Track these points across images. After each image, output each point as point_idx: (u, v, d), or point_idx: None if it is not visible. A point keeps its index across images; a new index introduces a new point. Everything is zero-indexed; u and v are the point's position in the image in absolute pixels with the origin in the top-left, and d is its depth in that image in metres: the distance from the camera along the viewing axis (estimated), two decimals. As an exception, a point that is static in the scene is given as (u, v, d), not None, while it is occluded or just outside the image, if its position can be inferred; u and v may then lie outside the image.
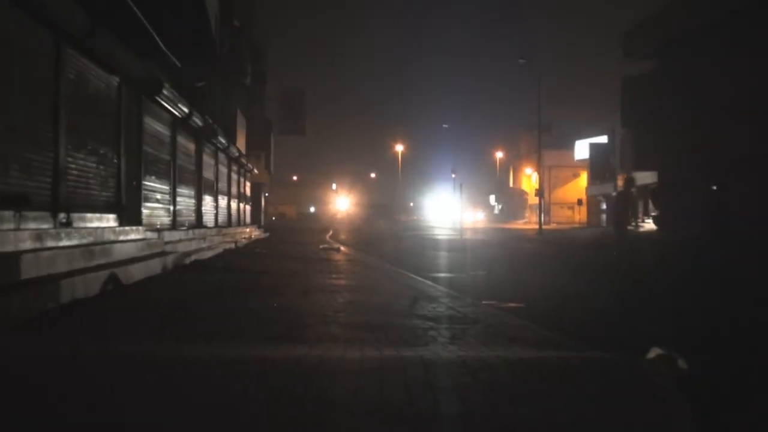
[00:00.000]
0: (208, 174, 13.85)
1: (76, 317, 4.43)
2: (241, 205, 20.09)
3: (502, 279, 9.12)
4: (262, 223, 26.91)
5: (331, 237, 23.12)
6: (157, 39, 8.48)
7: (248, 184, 22.47)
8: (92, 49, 6.73)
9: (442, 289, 6.89)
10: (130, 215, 8.14)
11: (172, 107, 9.85)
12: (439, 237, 26.53)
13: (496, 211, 73.50)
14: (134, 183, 8.46)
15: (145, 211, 8.94)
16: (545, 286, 8.31)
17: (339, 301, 5.66)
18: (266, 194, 32.50)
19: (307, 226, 40.07)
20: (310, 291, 6.34)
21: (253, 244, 16.26)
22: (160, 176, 9.79)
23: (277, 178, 60.10)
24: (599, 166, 43.05)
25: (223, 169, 16.25)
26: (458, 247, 18.49)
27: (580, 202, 47.76)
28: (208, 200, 13.87)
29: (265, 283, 7.01)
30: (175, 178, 10.57)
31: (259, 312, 4.93)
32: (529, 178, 62.89)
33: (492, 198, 75.20)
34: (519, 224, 55.00)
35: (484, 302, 6.02)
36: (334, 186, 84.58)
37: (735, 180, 19.06)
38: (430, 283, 7.59)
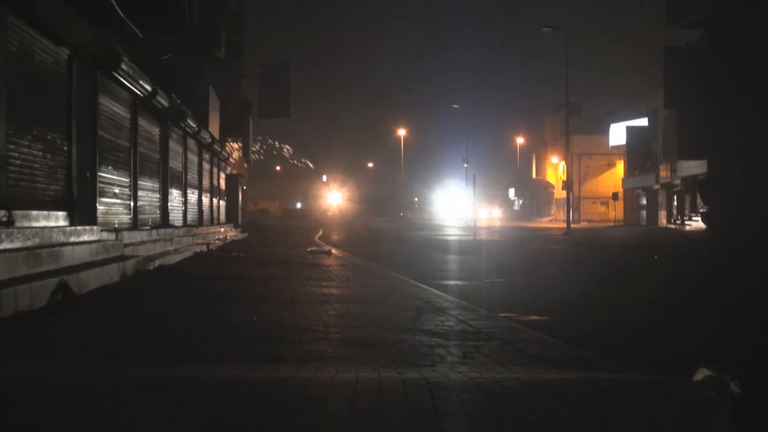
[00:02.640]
0: (175, 163, 13.85)
1: (19, 334, 4.44)
2: (215, 200, 20.10)
3: (522, 287, 9.13)
4: (240, 221, 26.92)
5: (320, 238, 23.15)
6: (114, 4, 8.47)
7: (223, 175, 22.49)
8: (38, 17, 6.72)
9: (452, 300, 6.90)
10: (83, 213, 8.14)
11: (132, 85, 9.84)
12: (449, 237, 26.54)
13: (517, 207, 73.56)
14: (88, 174, 8.46)
15: (100, 208, 8.94)
16: (573, 296, 8.32)
17: (330, 314, 5.67)
18: (244, 188, 32.52)
19: (293, 225, 40.11)
20: (296, 301, 6.35)
21: (229, 246, 16.28)
22: (119, 166, 9.79)
23: (258, 169, 60.23)
24: (638, 153, 43.09)
25: (193, 158, 16.26)
26: (471, 249, 18.51)
27: (615, 196, 47.62)
28: (175, 195, 13.87)
29: (243, 293, 7.01)
30: (136, 168, 10.57)
31: (235, 326, 4.94)
32: (555, 168, 62.94)
33: (511, 192, 75.26)
34: (543, 222, 55.11)
35: (501, 315, 6.03)
36: (324, 178, 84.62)
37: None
38: (437, 292, 7.60)
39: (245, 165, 30.78)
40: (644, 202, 45.74)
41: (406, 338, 4.59)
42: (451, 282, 9.70)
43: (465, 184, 50.85)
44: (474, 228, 26.76)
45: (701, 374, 3.27)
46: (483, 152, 78.80)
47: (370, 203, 66.91)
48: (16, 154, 6.55)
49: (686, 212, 36.50)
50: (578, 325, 6.02)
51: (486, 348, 4.32)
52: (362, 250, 16.99)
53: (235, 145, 26.98)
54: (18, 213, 6.46)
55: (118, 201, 9.84)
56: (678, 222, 37.37)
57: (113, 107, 9.53)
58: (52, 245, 6.60)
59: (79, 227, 7.62)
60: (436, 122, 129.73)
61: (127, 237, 9.30)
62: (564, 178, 35.01)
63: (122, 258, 8.11)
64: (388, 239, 25.60)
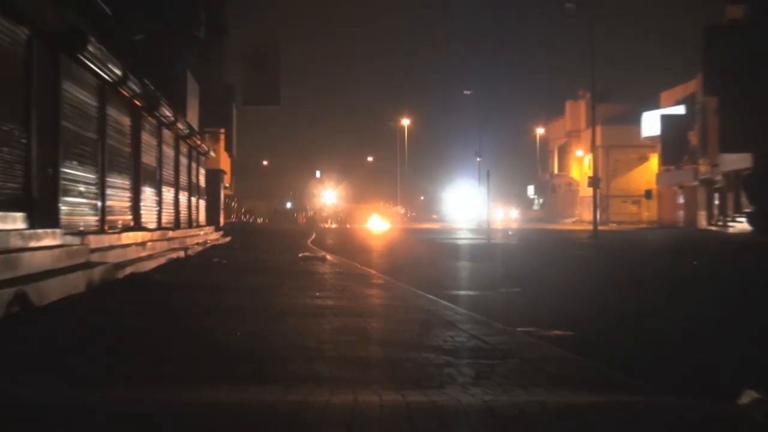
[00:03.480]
0: (148, 158, 13.85)
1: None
2: (194, 199, 20.12)
3: (543, 298, 9.11)
4: (222, 223, 26.96)
5: (314, 242, 23.16)
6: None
7: (203, 171, 22.50)
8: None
9: (463, 312, 6.89)
10: (43, 214, 8.13)
11: (100, 69, 9.85)
12: (460, 241, 26.52)
13: (536, 207, 73.59)
14: (49, 170, 8.46)
15: (64, 208, 8.94)
16: (601, 308, 8.29)
17: (325, 328, 5.66)
18: (227, 185, 32.55)
19: (282, 227, 40.16)
20: (286, 314, 6.34)
21: (210, 251, 16.28)
22: (85, 161, 9.80)
23: (242, 164, 60.15)
24: (674, 146, 43.10)
25: (169, 152, 16.26)
26: (484, 254, 18.49)
27: (648, 194, 47.67)
28: (148, 193, 13.88)
29: (226, 304, 7.00)
30: (104, 163, 10.57)
31: (217, 343, 4.93)
32: (579, 163, 62.92)
33: (530, 189, 75.37)
34: (566, 224, 55.12)
35: (519, 329, 6.01)
36: (318, 174, 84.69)
37: None
38: (446, 303, 7.58)
39: (229, 158, 30.76)
40: (681, 200, 45.66)
41: (411, 356, 4.57)
42: (462, 292, 9.67)
43: (477, 180, 50.89)
44: (488, 230, 26.79)
45: (748, 397, 3.25)
46: (498, 145, 78.94)
47: (369, 202, 66.95)
48: (-32, 148, 6.54)
49: (729, 212, 36.47)
50: (607, 342, 6.00)
51: (502, 367, 4.30)
52: (361, 256, 16.98)
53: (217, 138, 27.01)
54: (-30, 214, 6.46)
55: (84, 200, 9.84)
56: (720, 223, 37.34)
57: (78, 94, 9.53)
58: (9, 251, 6.59)
59: (39, 230, 7.61)
60: (445, 113, 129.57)
61: (94, 241, 9.29)
62: (590, 173, 34.94)
63: (88, 265, 8.09)
64: (389, 244, 25.59)
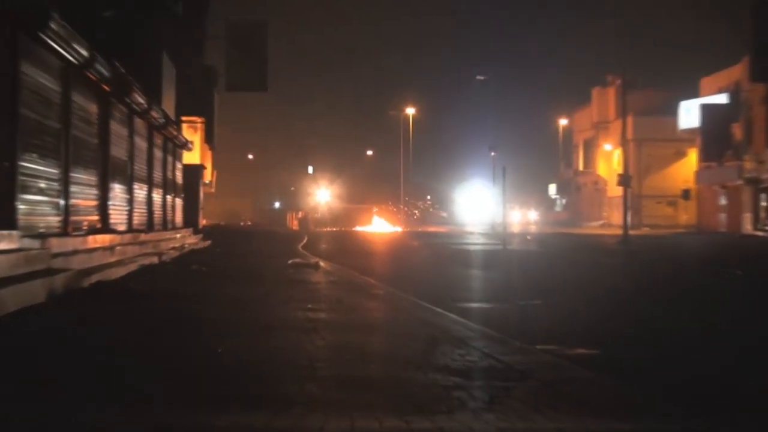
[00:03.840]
0: (118, 151, 13.89)
1: None
2: (169, 198, 20.16)
3: (565, 312, 9.12)
4: (201, 225, 27.02)
5: (305, 247, 23.18)
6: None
7: (179, 166, 22.54)
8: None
9: (475, 327, 6.90)
10: (-1, 213, 8.16)
11: (64, 49, 9.87)
12: (472, 247, 26.54)
13: (559, 208, 73.64)
14: (5, 164, 8.49)
15: (21, 207, 8.96)
16: (632, 324, 8.30)
17: (318, 344, 5.68)
18: (207, 182, 32.62)
19: (270, 230, 40.19)
20: (273, 329, 6.36)
21: (187, 257, 16.31)
22: (46, 154, 9.82)
23: (225, 159, 60.24)
24: (716, 139, 43.13)
25: (142, 144, 16.30)
26: (500, 262, 18.51)
27: (686, 194, 47.66)
28: (118, 191, 13.92)
29: (206, 317, 7.02)
30: (68, 156, 10.60)
31: (195, 361, 4.95)
32: (608, 159, 62.93)
33: (552, 189, 75.43)
34: (593, 228, 55.17)
35: (538, 347, 6.03)
36: (310, 169, 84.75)
37: None
38: (455, 317, 7.59)
39: (210, 151, 30.81)
40: (723, 202, 45.65)
41: (415, 377, 4.59)
42: (474, 305, 9.68)
43: (492, 178, 50.87)
44: (503, 235, 26.79)
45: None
46: (515, 139, 78.70)
47: (369, 202, 66.97)
48: None
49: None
50: (638, 362, 6.01)
51: (519, 390, 4.32)
52: (358, 262, 16.98)
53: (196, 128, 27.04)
54: None
55: (45, 198, 9.86)
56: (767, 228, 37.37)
57: (40, 78, 9.55)
58: (-40, 255, 6.62)
59: (-6, 232, 7.63)
60: (456, 102, 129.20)
61: (57, 245, 9.30)
62: (619, 170, 34.95)
63: (50, 272, 8.11)
64: (391, 249, 25.61)
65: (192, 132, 25.88)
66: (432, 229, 52.75)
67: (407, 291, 10.17)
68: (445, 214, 72.09)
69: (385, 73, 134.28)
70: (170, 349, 5.41)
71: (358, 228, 50.40)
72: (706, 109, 44.34)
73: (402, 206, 67.28)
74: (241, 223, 55.87)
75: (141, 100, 14.74)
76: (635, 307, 9.80)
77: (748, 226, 40.98)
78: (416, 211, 70.58)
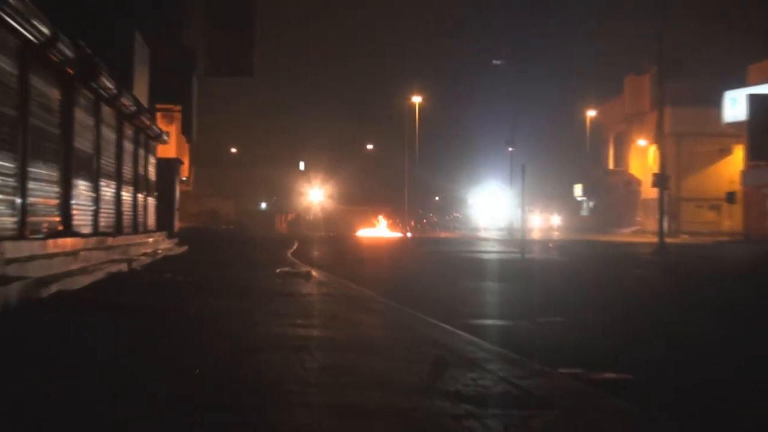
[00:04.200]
0: (83, 143, 13.89)
1: None
2: (141, 196, 20.17)
3: (593, 331, 9.10)
4: (177, 228, 27.01)
5: (296, 254, 23.17)
6: None
7: (153, 160, 22.55)
8: None
9: (489, 348, 6.90)
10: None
11: (21, 26, 9.87)
12: (486, 256, 26.52)
13: (585, 212, 73.64)
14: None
15: (-28, 207, 8.95)
16: (667, 345, 8.30)
17: (309, 366, 5.67)
18: (184, 179, 32.65)
19: (256, 234, 40.18)
20: (258, 348, 6.34)
21: (161, 264, 16.29)
22: (0, 146, 9.81)
23: (205, 153, 60.36)
24: (766, 135, 43.08)
25: (110, 135, 16.30)
26: (518, 273, 18.49)
27: (731, 197, 47.49)
28: (82, 188, 13.91)
29: (181, 334, 7.00)
30: (25, 148, 10.59)
31: (168, 383, 4.94)
32: (642, 156, 62.94)
33: (577, 189, 75.39)
34: (624, 234, 55.13)
35: (561, 370, 6.02)
36: (302, 166, 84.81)
37: None
38: (467, 336, 7.59)
39: (188, 144, 30.84)
40: (774, 205, 45.63)
41: (420, 404, 4.57)
42: (488, 322, 9.65)
43: (509, 178, 50.91)
44: (522, 242, 26.72)
45: None
46: (536, 132, 78.47)
47: (369, 204, 67.06)
48: None
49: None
50: (674, 388, 5.99)
51: (538, 420, 4.30)
52: (357, 272, 16.97)
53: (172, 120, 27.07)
54: None
55: (-1, 197, 9.86)
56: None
57: (-7, 59, 9.56)
58: None
59: (-60, 235, 7.63)
60: (469, 90, 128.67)
61: (12, 249, 9.29)
62: (655, 169, 34.90)
63: (3, 280, 8.09)
64: (395, 258, 25.60)
65: (167, 122, 25.89)
66: (442, 234, 52.80)
67: (412, 305, 10.16)
68: (456, 215, 72.05)
69: (391, 58, 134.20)
70: (141, 371, 5.39)
71: (356, 233, 50.40)
72: (755, 100, 44.21)
73: (406, 208, 67.25)
74: (223, 226, 55.85)
75: (109, 85, 14.74)
76: (672, 327, 9.79)
77: (801, 234, 40.93)
78: (431, 216, 70.55)
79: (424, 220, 67.71)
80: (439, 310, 9.95)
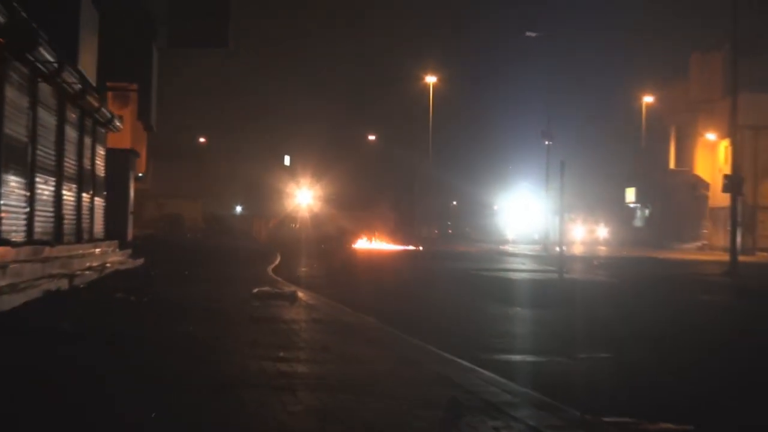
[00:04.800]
0: (15, 128, 13.89)
1: None
2: (86, 197, 20.17)
3: (646, 370, 9.09)
4: (131, 236, 27.01)
5: (278, 270, 23.15)
6: None
7: (102, 151, 22.57)
8: None
9: (516, 389, 6.88)
10: None
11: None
12: (516, 275, 26.47)
13: (639, 222, 73.51)
14: None
15: None
16: (739, 388, 8.29)
17: (293, 410, 5.67)
18: (141, 175, 32.63)
19: (229, 244, 40.12)
20: (232, 386, 6.36)
21: (111, 280, 16.29)
22: None
23: (166, 143, 60.35)
24: None
25: (49, 119, 16.31)
26: (554, 297, 18.48)
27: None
28: (13, 185, 13.90)
29: (136, 366, 7.00)
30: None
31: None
32: (711, 153, 62.78)
33: (630, 194, 75.24)
34: (687, 250, 55.02)
35: (606, 419, 6.01)
36: (287, 160, 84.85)
37: None
38: (489, 374, 7.58)
39: (145, 132, 30.82)
40: None
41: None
42: (517, 357, 9.65)
43: (544, 179, 50.82)
44: (560, 259, 26.68)
45: None
46: (578, 123, 78.37)
47: (369, 208, 67.04)
48: None
49: None
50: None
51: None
52: (354, 294, 16.96)
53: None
54: None
55: None
56: None
57: None
58: None
59: None
60: (495, 70, 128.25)
61: None
62: (727, 170, 34.85)
63: None
64: (401, 276, 25.56)
65: (121, 105, 25.91)
66: (460, 248, 52.75)
67: (422, 336, 10.15)
68: (473, 231, 72.04)
69: (398, 29, 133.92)
70: (79, 412, 5.38)
71: (354, 245, 50.36)
72: None
73: (417, 214, 67.30)
74: (188, 235, 55.81)
75: (49, 58, 14.76)
76: (746, 369, 9.74)
77: None
78: (447, 225, 70.74)
79: (436, 231, 67.77)
80: (456, 341, 9.95)
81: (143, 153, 31.50)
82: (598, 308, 16.27)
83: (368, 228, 57.03)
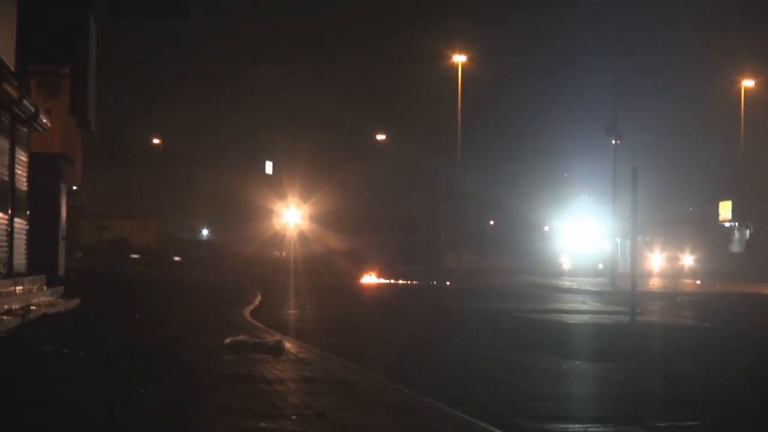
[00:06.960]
0: None
1: None
2: (2, 216, 20.22)
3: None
4: (63, 268, 27.06)
5: (257, 312, 23.18)
6: None
7: (24, 157, 22.63)
8: None
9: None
10: None
11: None
12: (573, 318, 26.48)
13: (737, 246, 73.38)
14: None
15: None
16: None
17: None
18: (75, 188, 32.68)
19: (192, 278, 40.28)
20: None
21: (36, 328, 16.33)
22: None
23: (109, 146, 60.59)
24: None
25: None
26: (624, 347, 18.57)
27: None
28: None
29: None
30: None
31: None
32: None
33: (724, 209, 75.26)
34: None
35: None
36: (269, 167, 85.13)
37: None
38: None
39: (79, 131, 30.94)
40: None
41: None
42: (575, 427, 9.73)
43: (611, 190, 50.51)
44: (632, 296, 26.66)
45: None
46: (653, 121, 78.13)
47: (377, 229, 67.24)
48: None
49: None
50: None
51: None
52: (358, 344, 17.01)
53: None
54: None
55: None
56: None
57: None
58: None
59: None
60: (545, 53, 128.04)
61: None
62: None
63: None
64: (420, 320, 25.58)
65: (48, 95, 25.96)
66: (498, 282, 52.72)
67: (448, 399, 10.18)
68: (513, 258, 72.09)
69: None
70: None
71: (360, 279, 50.39)
72: None
73: (442, 238, 67.46)
74: (139, 267, 56.03)
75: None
76: None
77: None
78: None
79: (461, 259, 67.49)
80: (492, 405, 9.95)
81: (79, 159, 31.57)
82: (681, 361, 16.34)
83: (377, 256, 57.09)
